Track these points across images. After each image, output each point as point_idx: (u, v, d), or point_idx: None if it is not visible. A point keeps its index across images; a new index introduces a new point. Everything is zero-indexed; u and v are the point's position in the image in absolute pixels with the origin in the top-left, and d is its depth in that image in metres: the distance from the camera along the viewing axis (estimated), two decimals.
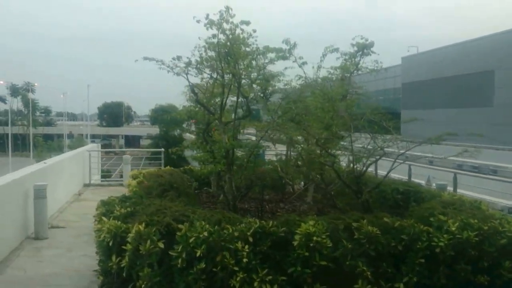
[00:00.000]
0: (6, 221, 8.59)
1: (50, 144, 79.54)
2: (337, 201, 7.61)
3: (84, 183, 16.49)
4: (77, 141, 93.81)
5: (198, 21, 5.91)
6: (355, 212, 5.95)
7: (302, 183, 9.87)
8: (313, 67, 8.18)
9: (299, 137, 7.85)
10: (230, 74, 6.43)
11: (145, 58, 6.41)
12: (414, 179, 15.35)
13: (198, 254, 4.90)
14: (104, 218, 5.68)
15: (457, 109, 42.73)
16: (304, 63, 7.79)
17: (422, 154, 7.86)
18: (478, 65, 41.13)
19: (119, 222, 5.52)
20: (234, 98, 7.86)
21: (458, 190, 13.37)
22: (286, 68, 7.90)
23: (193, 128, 9.98)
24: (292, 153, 9.39)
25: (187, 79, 6.68)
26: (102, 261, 5.61)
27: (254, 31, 6.23)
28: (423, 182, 15.11)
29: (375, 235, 5.27)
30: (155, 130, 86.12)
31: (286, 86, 8.37)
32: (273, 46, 6.89)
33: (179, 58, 6.26)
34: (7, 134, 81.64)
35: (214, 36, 6.16)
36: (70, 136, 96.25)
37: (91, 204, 13.19)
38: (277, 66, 7.67)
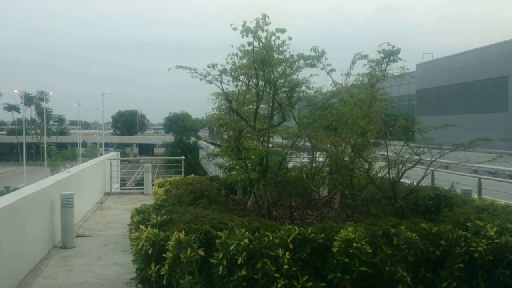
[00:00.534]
0: (35, 230, 8.66)
1: (64, 152, 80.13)
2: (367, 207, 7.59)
3: (105, 192, 16.58)
4: (91, 149, 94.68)
5: (234, 29, 5.95)
6: (391, 218, 5.95)
7: (326, 190, 9.87)
8: (341, 74, 8.18)
9: (328, 145, 7.83)
10: (265, 81, 6.44)
11: (178, 67, 6.46)
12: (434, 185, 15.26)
13: (239, 261, 4.91)
14: (142, 226, 5.70)
15: (472, 115, 42.59)
16: (332, 70, 7.79)
17: (449, 161, 7.78)
18: (493, 71, 41.09)
19: (157, 230, 5.54)
20: (262, 105, 7.90)
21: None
22: (311, 75, 7.90)
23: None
24: (318, 160, 9.41)
25: (221, 87, 6.72)
26: (140, 269, 5.62)
27: (290, 38, 6.28)
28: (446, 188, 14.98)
29: (414, 241, 5.27)
30: (169, 138, 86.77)
31: (316, 93, 8.38)
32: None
33: (214, 66, 6.32)
34: (21, 143, 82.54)
35: (249, 43, 6.19)
36: (84, 144, 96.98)
37: (114, 213, 13.40)
38: (303, 73, 7.70)
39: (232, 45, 6.58)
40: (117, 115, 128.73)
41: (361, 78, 8.35)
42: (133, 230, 6.10)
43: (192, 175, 11.44)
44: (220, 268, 4.94)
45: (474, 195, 12.40)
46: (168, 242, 5.21)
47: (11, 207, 7.37)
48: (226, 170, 8.81)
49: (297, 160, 10.73)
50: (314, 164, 9.32)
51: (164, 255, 5.17)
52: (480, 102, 42.95)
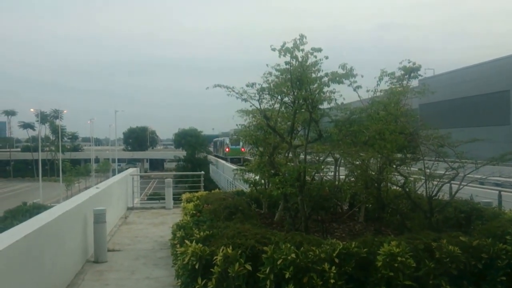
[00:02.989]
0: (71, 245, 8.82)
1: (78, 168, 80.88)
2: (390, 220, 7.71)
3: (127, 207, 16.75)
4: (104, 165, 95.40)
5: (273, 49, 6.15)
6: (429, 232, 6.04)
7: (347, 203, 9.97)
8: (367, 91, 8.34)
9: (359, 161, 7.96)
10: (301, 99, 6.62)
11: (216, 85, 6.66)
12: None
13: (286, 276, 5.02)
14: (187, 242, 5.83)
15: (474, 128, 42.86)
16: (359, 87, 7.95)
17: (481, 176, 7.90)
18: (494, 85, 41.63)
19: (201, 245, 5.67)
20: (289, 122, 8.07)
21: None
22: (334, 92, 8.05)
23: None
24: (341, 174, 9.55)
25: (259, 105, 6.91)
26: (186, 283, 5.73)
27: (327, 57, 6.46)
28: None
29: (456, 254, 5.36)
30: (179, 153, 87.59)
31: (338, 109, 8.54)
32: None
33: (252, 85, 6.51)
34: (36, 160, 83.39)
35: (287, 63, 6.38)
36: (97, 160, 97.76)
37: (139, 227, 13.56)
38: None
39: (267, 64, 6.79)
40: (129, 132, 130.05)
41: (380, 94, 8.51)
42: (178, 245, 6.22)
43: (217, 190, 11.61)
44: (268, 282, 5.05)
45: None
46: (215, 257, 5.34)
47: (52, 224, 7.53)
48: (252, 185, 8.97)
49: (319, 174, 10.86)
50: (337, 179, 9.46)
51: (211, 269, 5.30)
52: (482, 116, 43.61)
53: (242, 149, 71.91)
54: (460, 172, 6.68)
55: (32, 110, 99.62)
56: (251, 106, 7.83)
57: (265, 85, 6.73)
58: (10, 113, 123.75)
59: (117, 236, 12.39)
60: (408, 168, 7.54)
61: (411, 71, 8.54)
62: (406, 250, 5.29)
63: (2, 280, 5.45)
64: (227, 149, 71.33)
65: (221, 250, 5.33)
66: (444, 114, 48.09)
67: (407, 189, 7.01)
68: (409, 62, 8.51)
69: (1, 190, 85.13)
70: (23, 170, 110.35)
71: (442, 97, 48.95)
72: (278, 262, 5.09)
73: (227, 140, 73.75)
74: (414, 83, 9.05)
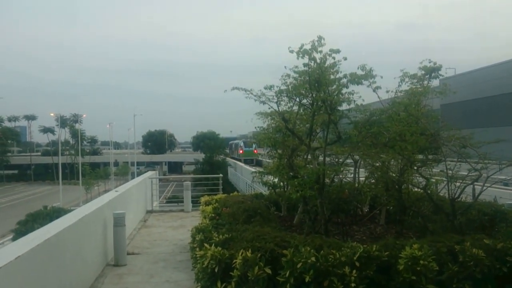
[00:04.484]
0: (91, 249, 8.87)
1: (97, 172, 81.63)
2: (412, 223, 7.60)
3: (146, 210, 16.82)
4: (123, 168, 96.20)
5: (291, 51, 6.11)
6: (452, 235, 5.93)
7: (367, 206, 9.87)
8: (386, 92, 8.24)
9: (379, 163, 7.86)
10: (320, 101, 6.56)
11: (234, 88, 6.64)
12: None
13: (307, 280, 4.97)
14: (206, 245, 5.81)
15: (498, 128, 42.29)
16: (378, 87, 7.86)
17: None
18: None
19: (220, 249, 5.65)
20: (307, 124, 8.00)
21: None
22: (353, 93, 7.96)
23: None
24: (361, 176, 9.46)
25: (278, 107, 6.87)
26: (205, 287, 5.70)
27: (345, 59, 6.39)
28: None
29: (480, 258, 5.24)
30: (197, 156, 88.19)
31: (357, 110, 8.45)
32: None
33: (271, 87, 6.48)
34: (56, 164, 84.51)
35: (305, 64, 6.33)
36: (116, 164, 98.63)
37: (158, 231, 13.59)
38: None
39: (285, 67, 6.73)
40: (147, 135, 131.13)
41: (401, 94, 8.40)
42: (197, 249, 6.20)
43: (236, 193, 11.59)
44: (288, 286, 5.01)
45: None
46: (234, 261, 5.31)
47: (72, 227, 7.57)
48: (271, 188, 8.92)
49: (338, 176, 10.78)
50: (357, 181, 9.37)
51: (231, 273, 5.27)
52: (505, 116, 43.13)
53: (255, 151, 76.92)
54: (484, 173, 6.56)
55: (52, 114, 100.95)
56: (269, 108, 7.80)
57: (283, 87, 6.69)
58: (30, 117, 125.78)
59: (137, 239, 12.45)
60: (430, 170, 7.43)
61: (431, 71, 8.41)
62: (429, 253, 5.20)
63: (24, 284, 5.49)
64: (241, 151, 76.70)
65: (240, 253, 5.29)
66: (466, 115, 47.73)
67: (429, 191, 6.89)
68: (429, 62, 8.39)
69: (23, 194, 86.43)
70: (43, 174, 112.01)
71: (464, 97, 48.60)
72: (298, 266, 5.04)
73: (241, 143, 78.57)
74: (435, 83, 8.91)
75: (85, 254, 8.40)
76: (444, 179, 6.66)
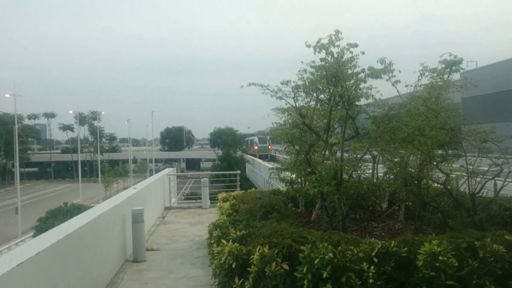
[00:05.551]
0: (111, 245, 8.95)
1: (116, 169, 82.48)
2: (432, 219, 7.51)
3: (165, 206, 16.93)
4: (141, 165, 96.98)
5: (308, 46, 6.07)
6: (472, 230, 5.85)
7: (387, 202, 9.79)
8: (405, 86, 8.14)
9: (397, 158, 7.78)
10: (337, 96, 6.51)
11: (250, 84, 6.63)
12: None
13: (324, 276, 4.94)
14: (224, 241, 5.82)
15: None
16: (398, 81, 7.76)
17: None
18: None
19: (238, 245, 5.65)
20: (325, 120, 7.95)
21: None
22: (371, 88, 7.88)
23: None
24: (380, 171, 9.39)
25: (294, 103, 6.84)
26: (223, 283, 5.72)
27: (363, 53, 6.33)
28: None
29: (501, 253, 5.17)
30: (216, 153, 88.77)
31: (382, 105, 8.38)
32: None
33: (287, 82, 6.45)
34: (75, 161, 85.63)
35: (322, 59, 6.28)
36: (134, 161, 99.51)
37: (177, 227, 13.67)
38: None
39: (302, 62, 6.69)
40: (165, 132, 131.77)
41: (420, 88, 8.29)
42: (214, 245, 6.22)
43: (253, 189, 11.59)
44: (305, 282, 4.99)
45: None
46: (252, 256, 5.31)
47: (91, 224, 7.65)
48: (288, 184, 8.90)
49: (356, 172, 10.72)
50: (375, 176, 9.30)
51: (248, 269, 5.27)
52: None
53: (269, 147, 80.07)
54: (505, 168, 6.45)
55: (70, 112, 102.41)
56: (286, 104, 7.77)
57: (300, 82, 6.65)
58: (49, 115, 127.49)
59: (155, 235, 12.54)
60: (450, 165, 7.33)
61: (452, 64, 8.28)
62: (448, 249, 5.13)
63: (45, 279, 5.57)
64: (256, 147, 79.83)
65: (257, 249, 5.29)
66: (488, 108, 47.00)
67: (449, 187, 6.80)
68: (450, 55, 8.27)
69: (43, 191, 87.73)
70: (63, 171, 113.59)
71: (486, 91, 47.85)
72: (316, 262, 5.02)
73: (256, 139, 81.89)
74: (456, 76, 8.76)
75: (105, 250, 8.48)
76: (464, 174, 6.56)
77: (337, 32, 6.02)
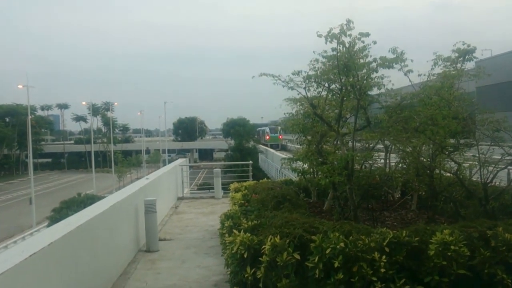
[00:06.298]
0: (124, 235, 9.06)
1: (129, 160, 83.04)
2: (444, 208, 7.50)
3: (177, 197, 17.05)
4: (154, 155, 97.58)
5: (319, 36, 6.05)
6: (485, 220, 5.82)
7: (399, 191, 9.76)
8: (418, 75, 8.10)
9: (410, 148, 7.76)
10: (349, 86, 6.50)
11: (262, 74, 6.63)
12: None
13: (336, 265, 4.97)
14: (235, 231, 5.86)
15: None
16: (410, 71, 7.71)
17: None
18: None
19: (249, 235, 5.69)
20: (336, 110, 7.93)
21: None
22: (383, 77, 7.83)
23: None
24: (392, 161, 9.36)
25: (306, 93, 6.84)
26: (235, 272, 5.77)
27: (375, 42, 6.30)
28: None
29: None
30: (229, 143, 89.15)
31: (387, 94, 8.33)
32: None
33: (298, 72, 6.45)
34: (89, 152, 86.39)
35: (333, 49, 6.26)
36: (147, 151, 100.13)
37: (189, 217, 13.78)
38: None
39: (314, 51, 6.68)
40: (178, 122, 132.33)
41: (433, 78, 8.23)
42: (226, 235, 6.27)
43: (265, 180, 11.61)
44: (317, 271, 5.01)
45: None
46: (263, 246, 5.35)
47: (104, 214, 7.73)
48: (300, 174, 8.91)
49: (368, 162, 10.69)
50: (388, 166, 9.27)
51: (260, 259, 5.31)
52: None
53: (280, 137, 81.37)
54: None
55: (84, 103, 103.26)
56: (298, 94, 7.76)
57: (311, 72, 6.64)
58: (63, 106, 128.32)
59: (168, 225, 12.66)
60: (462, 155, 7.29)
61: (465, 53, 8.22)
62: (460, 238, 5.12)
63: (58, 268, 5.66)
64: (267, 137, 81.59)
65: (269, 239, 5.32)
66: (503, 97, 46.49)
67: (461, 176, 6.77)
68: (463, 44, 8.20)
69: (57, 182, 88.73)
70: (76, 162, 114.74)
71: (500, 79, 47.26)
72: (327, 251, 5.04)
73: (267, 129, 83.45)
74: (470, 65, 8.69)
75: (117, 240, 8.59)
76: (477, 163, 6.53)
77: (349, 21, 6.00)
